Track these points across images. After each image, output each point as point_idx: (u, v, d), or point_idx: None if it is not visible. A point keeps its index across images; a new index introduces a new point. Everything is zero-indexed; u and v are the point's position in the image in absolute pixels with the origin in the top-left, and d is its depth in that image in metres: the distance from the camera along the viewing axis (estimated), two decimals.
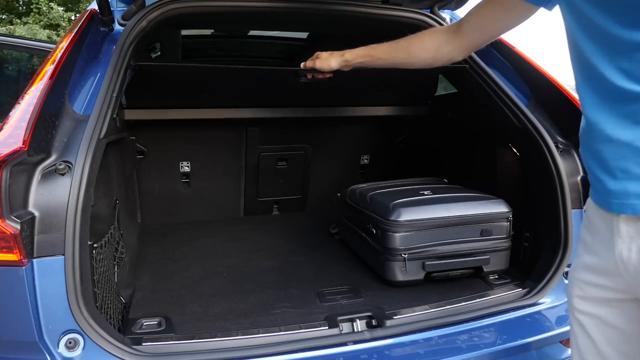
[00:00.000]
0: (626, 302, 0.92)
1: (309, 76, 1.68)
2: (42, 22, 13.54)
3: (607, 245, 0.91)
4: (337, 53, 1.60)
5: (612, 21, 0.80)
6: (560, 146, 1.69)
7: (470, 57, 1.95)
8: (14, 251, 1.12)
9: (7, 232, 1.10)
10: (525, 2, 1.08)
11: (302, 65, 1.66)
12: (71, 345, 1.19)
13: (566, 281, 1.63)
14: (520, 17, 1.14)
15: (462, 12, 2.17)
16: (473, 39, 1.29)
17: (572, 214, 1.63)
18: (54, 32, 13.49)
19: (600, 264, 0.94)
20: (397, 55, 1.47)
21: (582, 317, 0.99)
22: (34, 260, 1.17)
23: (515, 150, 1.93)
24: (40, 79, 1.32)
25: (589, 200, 0.97)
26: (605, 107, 0.84)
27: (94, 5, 1.72)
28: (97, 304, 1.33)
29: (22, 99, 1.26)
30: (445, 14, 2.09)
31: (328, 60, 1.60)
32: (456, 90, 2.39)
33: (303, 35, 3.34)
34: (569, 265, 1.64)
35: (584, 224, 1.02)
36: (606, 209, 0.89)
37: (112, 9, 1.70)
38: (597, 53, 0.84)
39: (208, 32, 3.26)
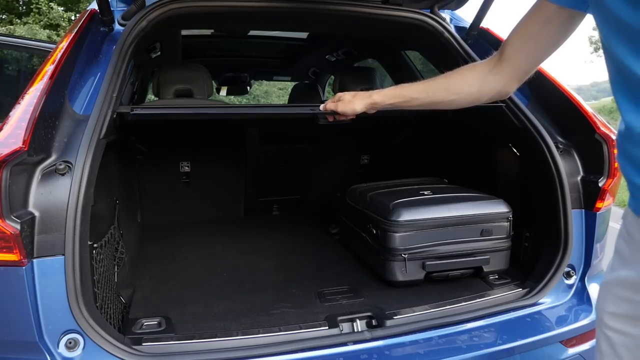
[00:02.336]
0: None
1: (330, 119, 1.50)
2: (42, 22, 13.53)
3: None
4: (362, 94, 1.41)
5: None
6: (560, 146, 1.69)
7: (471, 57, 1.95)
8: (14, 251, 1.12)
9: (7, 232, 1.09)
10: (566, 8, 0.98)
11: (321, 107, 1.48)
12: (71, 345, 1.18)
13: (566, 281, 1.64)
14: (565, 28, 1.03)
15: (461, 12, 2.17)
16: (519, 63, 1.15)
17: (572, 214, 1.63)
18: (54, 32, 13.48)
19: (638, 280, 0.87)
20: (435, 93, 1.29)
21: (613, 335, 0.92)
22: (34, 260, 1.16)
23: (515, 150, 1.93)
24: (40, 79, 1.32)
25: (627, 208, 0.90)
26: None
27: (94, 5, 1.72)
28: (97, 304, 1.33)
29: (22, 99, 1.25)
30: (446, 14, 2.09)
31: (352, 104, 1.41)
32: None
33: (303, 35, 3.34)
34: (569, 266, 1.64)
35: (620, 234, 0.93)
36: None
37: (112, 9, 1.70)
38: (629, 54, 0.79)
39: (208, 32, 3.26)
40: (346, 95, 1.44)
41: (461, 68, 1.28)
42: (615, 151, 1.62)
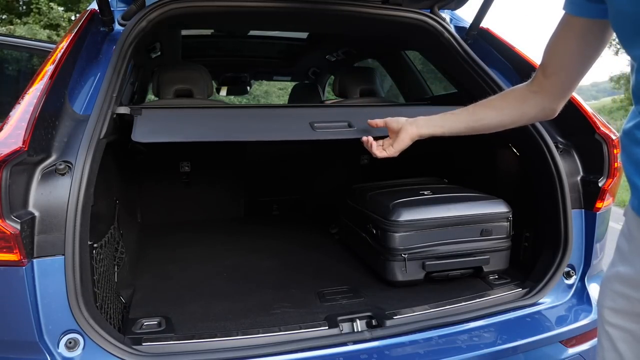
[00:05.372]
0: None
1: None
2: (42, 22, 13.53)
3: None
4: (409, 124, 1.38)
5: None
6: (560, 146, 1.69)
7: (470, 57, 1.95)
8: (14, 251, 1.12)
9: (7, 232, 1.09)
10: (600, 20, 0.96)
11: (377, 155, 1.43)
12: (71, 345, 1.19)
13: (566, 281, 1.64)
14: (600, 38, 1.01)
15: (461, 12, 2.18)
16: (560, 81, 1.14)
17: (572, 214, 1.63)
18: (54, 32, 13.48)
19: (635, 276, 0.88)
20: (482, 123, 1.28)
21: (611, 330, 0.94)
22: (34, 260, 1.17)
23: (515, 150, 1.93)
24: (40, 79, 1.32)
25: (627, 206, 0.91)
26: None
27: (94, 5, 1.72)
28: (97, 304, 1.33)
29: (22, 99, 1.25)
30: (445, 14, 2.09)
31: (405, 141, 1.39)
32: (456, 90, 2.39)
33: (303, 35, 3.34)
34: (569, 265, 1.64)
35: (622, 231, 0.94)
36: None
37: (112, 9, 1.70)
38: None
39: (208, 32, 3.27)
40: (393, 125, 1.41)
41: (501, 93, 1.28)
42: (616, 151, 1.62)
